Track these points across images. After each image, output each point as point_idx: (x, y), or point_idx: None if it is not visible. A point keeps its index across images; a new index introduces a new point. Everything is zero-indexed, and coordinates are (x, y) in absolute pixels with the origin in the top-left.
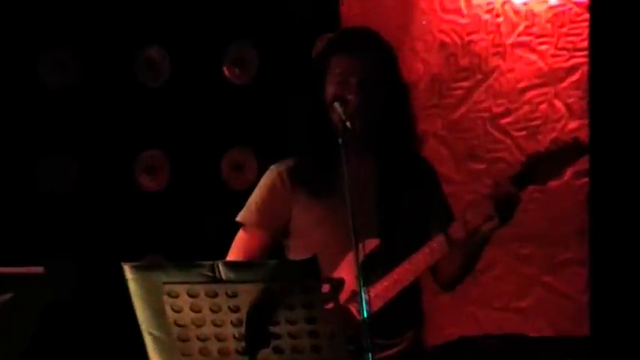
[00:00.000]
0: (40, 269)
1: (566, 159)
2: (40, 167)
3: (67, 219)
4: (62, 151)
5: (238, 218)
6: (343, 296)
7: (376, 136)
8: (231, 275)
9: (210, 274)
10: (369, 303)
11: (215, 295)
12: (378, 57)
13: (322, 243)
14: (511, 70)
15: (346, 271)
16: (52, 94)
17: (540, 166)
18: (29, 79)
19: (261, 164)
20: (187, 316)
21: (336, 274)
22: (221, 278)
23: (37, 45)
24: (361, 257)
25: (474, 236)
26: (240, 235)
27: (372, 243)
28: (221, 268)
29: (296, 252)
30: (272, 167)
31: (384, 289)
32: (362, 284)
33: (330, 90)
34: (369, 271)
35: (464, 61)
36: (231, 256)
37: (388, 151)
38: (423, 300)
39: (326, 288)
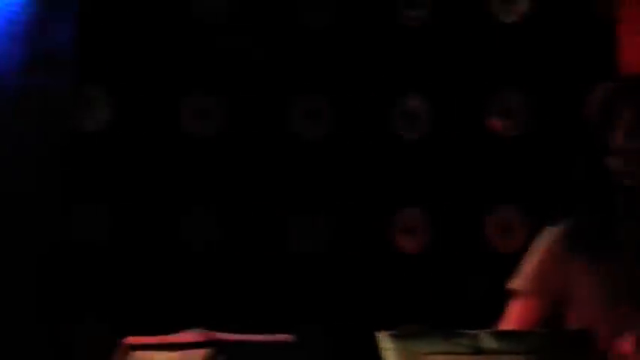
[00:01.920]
0: (288, 337)
1: None
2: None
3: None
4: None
5: (511, 285)
6: None
7: None
8: (494, 345)
9: (472, 344)
10: None
11: None
12: None
13: (598, 315)
14: None
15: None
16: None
17: None
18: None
19: (532, 225)
20: None
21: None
22: (482, 349)
23: None
24: None
25: None
26: (514, 304)
27: None
28: (484, 337)
29: (571, 323)
30: (548, 228)
31: None
32: None
33: (619, 136)
34: None
35: None
36: (503, 327)
37: None
38: None
39: None
